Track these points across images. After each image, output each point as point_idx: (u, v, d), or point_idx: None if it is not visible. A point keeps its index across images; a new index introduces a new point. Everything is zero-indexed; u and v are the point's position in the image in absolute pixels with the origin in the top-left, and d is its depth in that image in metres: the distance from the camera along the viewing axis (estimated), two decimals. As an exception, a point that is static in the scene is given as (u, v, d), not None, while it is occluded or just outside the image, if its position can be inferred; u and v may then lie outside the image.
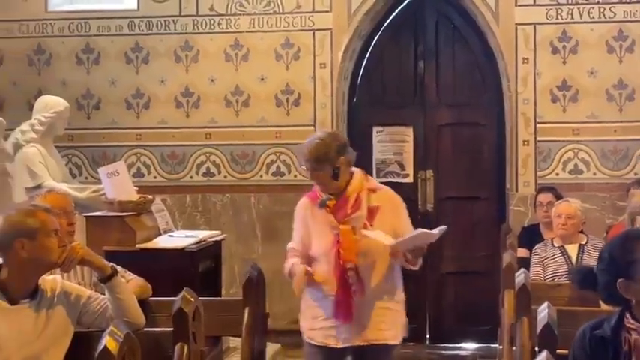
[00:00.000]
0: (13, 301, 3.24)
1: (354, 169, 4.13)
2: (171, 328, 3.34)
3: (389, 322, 4.12)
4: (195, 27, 7.24)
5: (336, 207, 4.04)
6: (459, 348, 7.29)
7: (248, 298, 4.07)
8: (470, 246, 7.23)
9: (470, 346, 7.29)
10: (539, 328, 2.92)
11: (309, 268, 4.00)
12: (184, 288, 3.47)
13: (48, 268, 3.33)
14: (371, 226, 4.00)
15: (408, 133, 7.38)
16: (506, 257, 4.87)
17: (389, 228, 4.02)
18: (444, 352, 7.21)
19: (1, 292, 3.23)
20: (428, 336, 7.34)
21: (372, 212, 4.04)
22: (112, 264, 3.52)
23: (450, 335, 7.32)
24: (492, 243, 7.07)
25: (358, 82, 7.46)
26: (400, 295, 4.20)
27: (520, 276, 3.90)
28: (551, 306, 3.01)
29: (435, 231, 3.91)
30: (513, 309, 3.86)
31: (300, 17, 7.16)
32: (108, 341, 2.56)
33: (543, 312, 2.97)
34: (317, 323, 4.13)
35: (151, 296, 4.05)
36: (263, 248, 7.17)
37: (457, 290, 7.31)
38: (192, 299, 3.41)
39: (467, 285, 7.28)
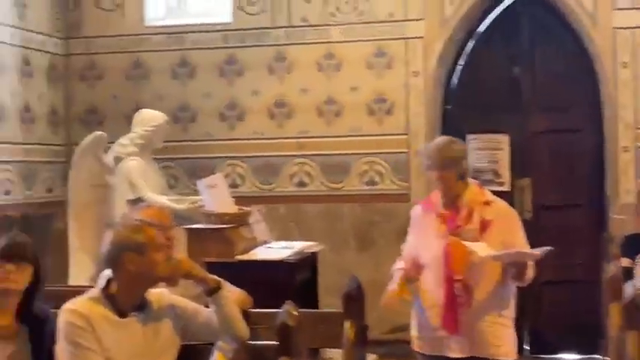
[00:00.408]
0: (122, 314, 3.30)
1: (469, 180, 4.11)
2: (275, 342, 3.35)
3: (501, 338, 4.06)
4: (288, 38, 7.28)
5: (448, 218, 4.02)
6: (560, 359, 7.14)
7: (348, 311, 4.06)
8: (569, 254, 7.06)
9: (570, 357, 7.13)
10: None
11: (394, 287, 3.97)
12: (287, 301, 3.48)
13: (155, 282, 3.38)
14: (482, 240, 3.95)
15: (504, 140, 7.26)
16: (611, 268, 4.75)
17: (498, 242, 3.96)
18: (543, 363, 7.07)
19: (111, 305, 3.30)
20: (527, 347, 7.19)
21: (484, 225, 4.00)
22: (216, 277, 3.55)
23: (550, 346, 7.17)
24: (592, 251, 6.93)
25: (451, 89, 7.38)
26: (510, 312, 4.14)
27: (629, 289, 3.80)
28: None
29: (537, 251, 3.84)
30: (621, 322, 3.76)
31: (393, 26, 7.13)
32: (218, 357, 2.59)
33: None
34: (426, 333, 4.12)
35: (250, 308, 4.08)
36: (357, 258, 7.15)
37: (556, 300, 7.15)
38: (295, 313, 3.41)
39: (566, 294, 7.12)
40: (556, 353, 7.16)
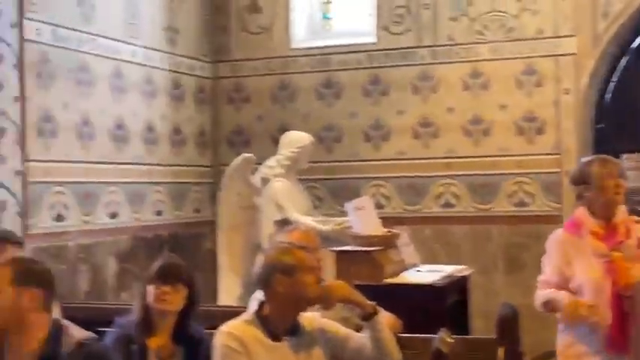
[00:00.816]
0: (275, 338, 3.29)
1: None
2: (428, 369, 3.28)
3: None
4: (434, 57, 7.21)
5: (604, 235, 3.90)
6: None
7: (503, 338, 3.95)
8: None
9: None
10: None
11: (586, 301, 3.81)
12: (441, 328, 3.40)
13: (306, 304, 3.35)
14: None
15: (660, 160, 6.94)
16: None
17: None
18: None
19: (265, 328, 3.29)
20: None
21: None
22: (373, 302, 3.50)
23: None
24: None
25: (604, 107, 7.12)
26: None
27: None
28: None
29: None
30: None
31: (543, 43, 6.94)
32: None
33: None
34: (588, 357, 3.91)
35: (400, 332, 4.01)
36: (505, 281, 6.97)
37: None
38: (449, 340, 3.33)
39: None
40: None
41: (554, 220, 6.81)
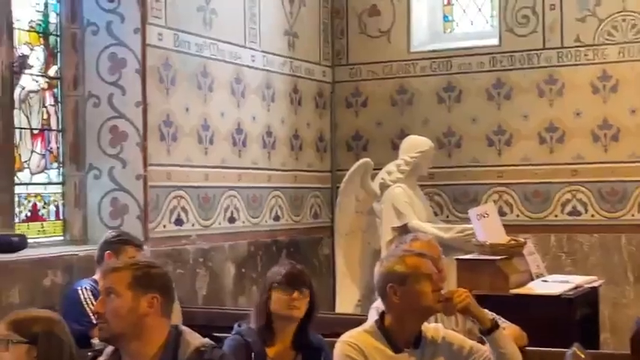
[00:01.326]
0: (396, 349, 3.18)
1: None
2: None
3: None
4: (560, 59, 6.95)
5: None
6: None
7: (637, 355, 3.71)
8: None
9: None
10: None
11: None
12: (574, 343, 3.21)
13: (424, 313, 3.23)
14: None
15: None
16: None
17: None
18: None
19: (386, 339, 3.19)
20: None
21: None
22: (492, 316, 3.35)
23: None
24: None
25: None
26: None
27: None
28: None
29: None
30: None
31: (677, 43, 6.61)
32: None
33: None
34: None
35: (526, 345, 3.83)
36: (636, 292, 6.66)
37: None
38: (583, 356, 3.13)
39: None
40: None
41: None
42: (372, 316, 3.48)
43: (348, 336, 3.21)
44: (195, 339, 2.67)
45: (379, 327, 3.22)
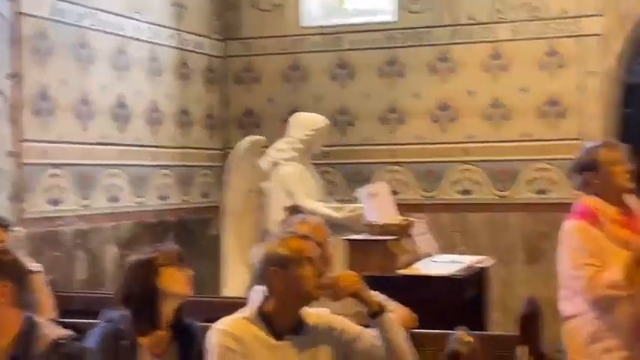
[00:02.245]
0: (278, 336, 3.02)
1: None
2: (445, 371, 3.01)
3: None
4: (453, 37, 6.89)
5: (626, 221, 3.75)
6: None
7: (525, 336, 3.67)
8: None
9: None
10: None
11: None
12: (459, 327, 3.11)
13: (305, 299, 3.07)
14: None
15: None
16: None
17: None
18: None
19: (266, 325, 3.02)
20: None
21: None
22: (381, 298, 3.22)
23: None
24: None
25: (632, 91, 6.78)
26: None
27: None
28: None
29: None
30: None
31: (566, 23, 6.61)
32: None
33: None
34: (610, 356, 3.72)
35: (415, 327, 3.74)
36: (525, 271, 6.69)
37: None
38: (468, 339, 3.04)
39: None
40: None
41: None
42: (254, 301, 3.31)
43: (223, 323, 3.03)
44: (52, 331, 2.45)
45: (259, 313, 3.05)
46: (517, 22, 6.74)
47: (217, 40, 7.34)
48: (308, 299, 3.08)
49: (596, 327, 3.74)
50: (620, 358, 3.70)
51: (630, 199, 3.85)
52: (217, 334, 2.99)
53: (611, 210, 3.76)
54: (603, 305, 3.69)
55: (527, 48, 6.72)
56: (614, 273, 3.61)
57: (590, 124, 6.58)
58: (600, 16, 6.54)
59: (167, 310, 3.28)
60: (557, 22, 6.65)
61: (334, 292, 3.08)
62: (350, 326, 3.15)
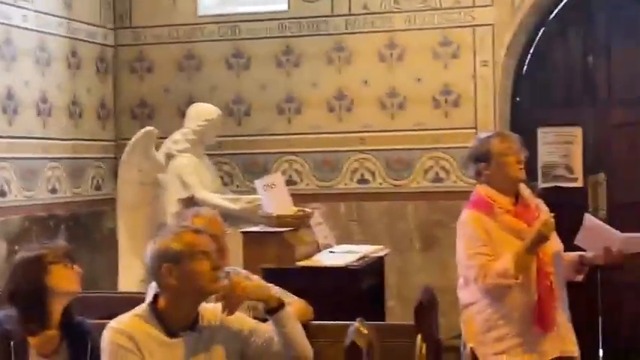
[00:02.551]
0: (171, 334, 2.96)
1: None
2: (342, 363, 3.00)
3: (574, 334, 3.92)
4: (348, 26, 6.90)
5: (520, 212, 3.80)
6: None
7: (421, 324, 3.70)
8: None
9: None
10: None
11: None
12: (357, 318, 3.11)
13: (201, 295, 3.01)
14: None
15: (577, 133, 6.80)
16: None
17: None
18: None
19: (160, 323, 2.96)
20: (601, 354, 6.73)
21: None
22: (278, 292, 3.19)
23: (627, 352, 6.70)
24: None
25: (522, 80, 6.93)
26: None
27: None
28: None
29: None
30: None
31: (460, 13, 6.70)
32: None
33: None
34: (503, 344, 3.80)
35: (312, 319, 3.74)
36: (421, 259, 6.77)
37: (636, 304, 6.67)
38: (366, 332, 3.04)
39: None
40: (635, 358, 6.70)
41: (468, 196, 6.62)
42: (150, 297, 3.23)
43: (116, 322, 2.95)
44: None
45: (152, 310, 2.99)
46: (412, 11, 6.78)
47: (108, 28, 7.16)
48: (204, 295, 3.02)
49: (489, 315, 3.82)
50: (513, 345, 3.78)
51: (525, 190, 3.91)
52: (110, 332, 2.92)
53: (504, 200, 3.81)
54: (495, 294, 3.76)
55: (422, 38, 6.77)
56: (505, 262, 3.67)
57: (483, 113, 6.69)
58: (491, 6, 6.65)
59: (56, 308, 3.19)
60: (451, 12, 6.73)
61: (229, 301, 3.02)
62: (245, 322, 3.11)
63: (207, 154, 6.33)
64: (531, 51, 6.89)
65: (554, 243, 3.84)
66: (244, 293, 3.02)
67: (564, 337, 3.84)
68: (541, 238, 3.67)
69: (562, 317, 3.84)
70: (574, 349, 3.87)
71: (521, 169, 3.84)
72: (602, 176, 6.76)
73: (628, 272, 6.57)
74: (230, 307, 3.00)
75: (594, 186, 6.74)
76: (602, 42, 6.78)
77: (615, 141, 6.80)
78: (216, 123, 6.11)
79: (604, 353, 6.73)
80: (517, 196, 3.87)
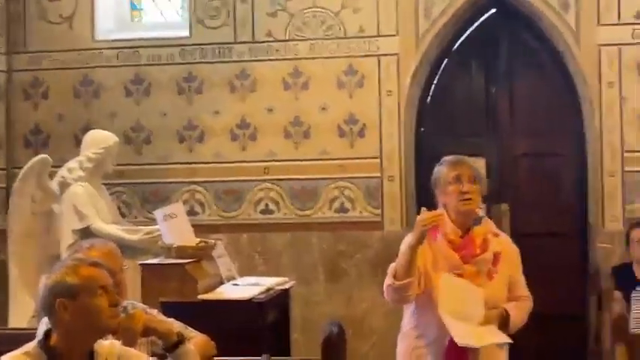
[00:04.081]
0: (63, 374, 2.74)
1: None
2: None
3: None
4: (252, 54, 6.78)
5: (460, 245, 3.57)
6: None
7: (329, 358, 3.57)
8: (551, 286, 6.59)
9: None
10: None
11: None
12: (263, 355, 2.96)
13: (98, 332, 2.81)
14: (495, 273, 3.60)
15: (480, 164, 6.81)
16: (615, 307, 4.28)
17: (506, 277, 3.65)
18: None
19: (51, 360, 2.74)
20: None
21: (496, 257, 3.61)
22: (179, 327, 3.01)
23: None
24: (576, 283, 6.55)
25: (427, 110, 6.93)
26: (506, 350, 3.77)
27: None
28: None
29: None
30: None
31: (364, 42, 6.67)
32: None
33: None
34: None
35: (215, 355, 3.56)
36: (326, 290, 6.66)
37: (537, 335, 6.66)
38: (273, 368, 2.89)
39: (548, 329, 6.66)
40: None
41: (375, 227, 6.62)
42: (41, 334, 3.01)
43: (6, 359, 2.72)
44: None
45: (43, 347, 2.76)
46: (316, 39, 6.73)
47: (2, 53, 6.88)
48: (100, 332, 2.81)
49: (410, 342, 3.70)
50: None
51: (485, 224, 3.68)
52: (-4, 373, 2.69)
53: (450, 229, 3.59)
54: (390, 298, 3.60)
55: (327, 66, 6.72)
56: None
57: (388, 143, 6.66)
58: (396, 36, 6.64)
59: None
60: (355, 41, 6.69)
61: (126, 335, 2.84)
62: (142, 357, 2.92)
63: (105, 184, 6.09)
64: (435, 81, 6.91)
65: (492, 287, 3.59)
66: (143, 325, 2.83)
67: None
68: (418, 235, 3.44)
69: (482, 355, 3.57)
70: None
71: (464, 200, 3.56)
72: (505, 206, 6.79)
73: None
74: (128, 340, 2.80)
75: (498, 216, 6.75)
76: (504, 74, 6.85)
77: (518, 171, 6.86)
78: (113, 150, 5.88)
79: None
80: (465, 230, 3.61)
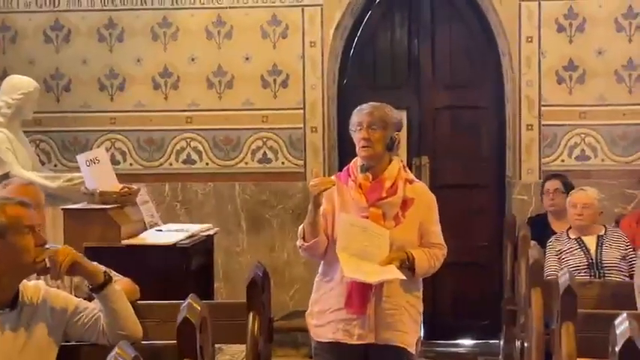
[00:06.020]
0: (-12, 312, 2.73)
1: (394, 156, 3.79)
2: (174, 341, 2.85)
3: (408, 324, 3.73)
4: (175, 2, 6.69)
5: (369, 189, 3.66)
6: (457, 345, 6.90)
7: (253, 302, 3.61)
8: (468, 236, 6.79)
9: (468, 343, 6.91)
10: (619, 342, 2.45)
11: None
12: (190, 295, 2.98)
13: (25, 271, 2.82)
14: (403, 217, 3.67)
15: (402, 116, 6.89)
16: (533, 252, 4.42)
17: (417, 223, 3.70)
18: (439, 349, 6.78)
19: (-24, 302, 2.73)
20: (422, 332, 6.87)
21: (405, 203, 3.68)
22: (105, 269, 3.01)
23: (447, 331, 6.90)
24: (493, 233, 6.71)
25: (349, 61, 6.96)
26: (419, 302, 3.84)
27: (564, 276, 3.45)
28: (631, 318, 2.53)
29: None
30: (558, 313, 3.41)
31: (289, -8, 6.65)
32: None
33: (624, 324, 2.49)
34: (326, 317, 3.74)
35: (139, 299, 3.57)
36: (248, 240, 6.69)
37: (454, 283, 6.86)
38: (198, 308, 2.92)
39: (464, 278, 6.85)
40: (454, 339, 6.90)
41: (297, 177, 6.65)
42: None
43: None
44: None
45: (-33, 287, 2.75)
46: (241, -11, 6.69)
47: None
48: (27, 271, 2.82)
49: (318, 286, 3.82)
50: (330, 321, 3.74)
51: (396, 166, 3.71)
52: None
53: (358, 174, 3.69)
54: (306, 257, 3.81)
55: (251, 16, 6.66)
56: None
57: (311, 94, 6.67)
58: (321, -14, 6.64)
59: None
60: (280, -9, 6.67)
61: (52, 270, 2.84)
62: (69, 300, 2.95)
63: (24, 131, 5.97)
64: (358, 34, 6.93)
65: (399, 231, 3.65)
66: (71, 260, 2.82)
67: (388, 326, 3.65)
68: (313, 200, 3.54)
69: (388, 303, 3.65)
70: (397, 340, 3.68)
71: (364, 146, 3.62)
72: (425, 159, 6.89)
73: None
74: (55, 273, 2.80)
75: (418, 168, 6.86)
76: (426, 26, 6.91)
77: (438, 124, 6.96)
78: (33, 96, 5.76)
79: (424, 334, 6.87)
80: (378, 175, 3.67)
